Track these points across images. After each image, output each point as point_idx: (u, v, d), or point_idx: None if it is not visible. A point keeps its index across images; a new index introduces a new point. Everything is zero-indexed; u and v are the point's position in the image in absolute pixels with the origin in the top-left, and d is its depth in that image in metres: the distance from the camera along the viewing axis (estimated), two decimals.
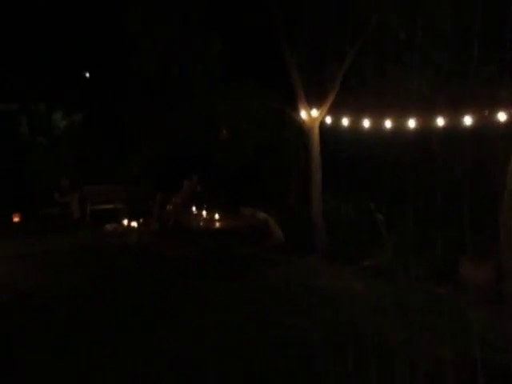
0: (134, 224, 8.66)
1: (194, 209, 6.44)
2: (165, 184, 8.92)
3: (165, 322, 4.04)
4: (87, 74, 13.26)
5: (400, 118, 5.58)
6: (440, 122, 4.99)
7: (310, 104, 6.51)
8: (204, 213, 5.90)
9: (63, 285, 5.20)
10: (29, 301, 4.67)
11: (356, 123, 6.18)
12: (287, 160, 8.42)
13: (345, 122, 6.25)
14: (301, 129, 7.86)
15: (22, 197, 10.45)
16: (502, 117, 4.55)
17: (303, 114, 6.49)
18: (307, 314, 4.27)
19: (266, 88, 7.69)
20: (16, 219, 9.81)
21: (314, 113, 6.43)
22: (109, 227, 8.79)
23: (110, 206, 9.90)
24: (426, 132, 5.56)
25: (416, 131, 5.56)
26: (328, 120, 6.62)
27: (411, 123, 5.25)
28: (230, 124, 8.91)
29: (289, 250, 6.19)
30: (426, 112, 5.42)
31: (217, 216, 5.56)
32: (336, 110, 6.67)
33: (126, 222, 8.88)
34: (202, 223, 5.39)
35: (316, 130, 6.50)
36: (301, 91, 6.46)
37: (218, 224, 5.36)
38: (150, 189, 10.15)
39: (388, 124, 5.56)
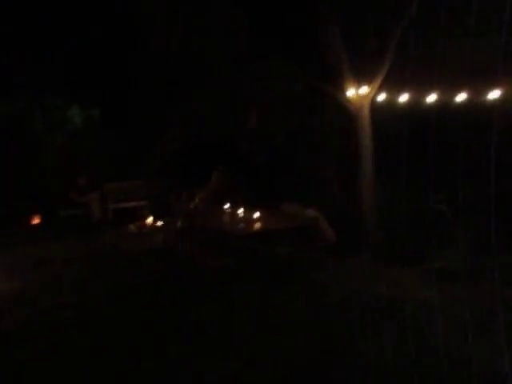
0: (159, 223, 7.99)
1: (227, 206, 5.66)
2: (189, 178, 8.19)
3: (208, 352, 3.30)
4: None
5: (472, 91, 4.66)
6: None
7: (357, 80, 5.60)
8: (240, 211, 5.11)
9: (89, 299, 4.54)
10: (52, 319, 4.02)
11: (414, 99, 5.27)
12: (325, 146, 7.54)
13: (401, 98, 5.34)
14: (340, 110, 7.02)
15: (39, 197, 9.96)
16: None
17: (350, 92, 5.59)
18: (380, 335, 3.46)
19: (299, 66, 6.81)
20: (35, 221, 9.30)
21: (364, 90, 5.52)
22: (132, 227, 8.15)
23: (133, 204, 9.29)
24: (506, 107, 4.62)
25: (492, 107, 4.63)
26: (377, 98, 5.72)
27: (492, 95, 4.29)
28: (259, 108, 8.08)
29: (338, 249, 5.38)
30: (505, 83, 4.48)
31: (256, 215, 4.76)
32: (387, 86, 5.76)
33: (150, 220, 8.24)
34: (239, 224, 4.59)
35: (366, 110, 5.59)
36: (346, 64, 5.55)
37: (258, 225, 4.56)
38: (173, 183, 9.46)
39: (458, 99, 4.63)
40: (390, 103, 5.74)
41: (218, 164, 8.58)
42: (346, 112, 6.47)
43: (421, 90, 5.58)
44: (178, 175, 9.38)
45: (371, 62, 5.65)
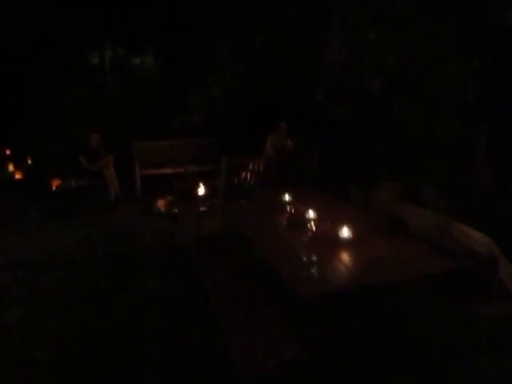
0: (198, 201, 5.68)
1: (286, 198, 3.12)
2: (238, 141, 5.74)
3: None
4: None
5: None
6: None
7: None
8: (311, 216, 2.55)
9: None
10: None
11: None
12: (450, 95, 4.59)
13: None
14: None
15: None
16: None
17: None
18: None
19: None
20: (56, 185, 7.52)
21: None
22: (161, 205, 5.99)
23: (169, 171, 7.10)
24: None
25: None
26: None
27: None
28: (343, 36, 5.21)
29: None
30: None
31: (347, 232, 2.15)
32: None
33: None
34: (309, 267, 2.00)
35: None
36: None
37: (355, 264, 1.95)
38: (224, 145, 7.08)
39: None
40: None
41: (280, 120, 6.01)
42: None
43: None
44: (221, 136, 6.95)
45: None
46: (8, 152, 9.71)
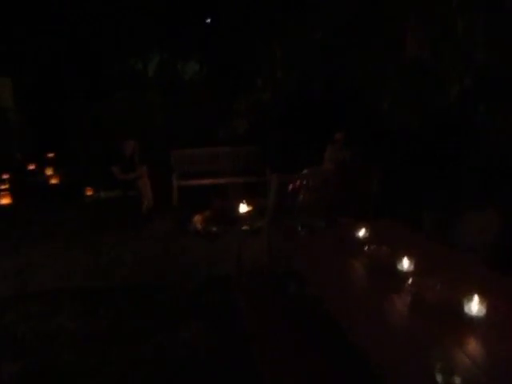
0: (236, 223, 4.96)
1: (361, 234, 2.29)
2: (288, 151, 4.98)
3: None
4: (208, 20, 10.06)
5: None
6: None
7: None
8: (407, 266, 1.74)
9: None
10: None
11: None
12: None
13: None
14: None
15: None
16: None
17: None
18: None
19: None
20: (89, 193, 7.03)
21: None
22: (198, 221, 5.34)
23: (209, 181, 6.46)
24: None
25: None
26: None
27: None
28: (425, 31, 4.30)
29: None
30: None
31: (476, 305, 1.36)
32: None
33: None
34: None
35: None
36: None
37: None
38: (262, 155, 6.35)
39: None
40: None
41: (337, 130, 5.24)
42: None
43: None
44: (277, 143, 6.22)
45: None
46: (51, 155, 9.49)
